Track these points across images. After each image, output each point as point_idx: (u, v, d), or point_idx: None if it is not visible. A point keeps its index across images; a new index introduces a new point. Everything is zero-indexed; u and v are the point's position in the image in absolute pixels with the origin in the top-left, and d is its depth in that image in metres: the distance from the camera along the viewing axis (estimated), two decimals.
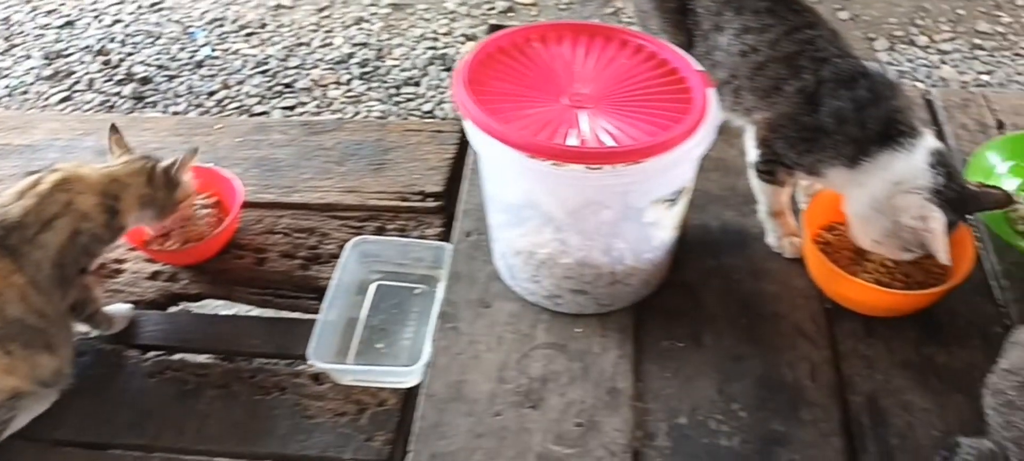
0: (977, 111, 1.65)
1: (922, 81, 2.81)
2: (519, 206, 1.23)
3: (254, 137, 1.80)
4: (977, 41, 2.97)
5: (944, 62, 2.88)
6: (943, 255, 1.13)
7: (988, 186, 1.23)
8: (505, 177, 1.22)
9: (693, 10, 1.33)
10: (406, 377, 1.35)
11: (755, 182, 1.36)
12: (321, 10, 3.25)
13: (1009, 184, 1.45)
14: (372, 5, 3.25)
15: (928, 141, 1.19)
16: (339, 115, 2.77)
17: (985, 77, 2.83)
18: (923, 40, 2.98)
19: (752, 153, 1.34)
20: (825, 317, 1.32)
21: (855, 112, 1.19)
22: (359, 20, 3.19)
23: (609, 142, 1.11)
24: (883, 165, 1.18)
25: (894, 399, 1.22)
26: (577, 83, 1.21)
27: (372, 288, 1.53)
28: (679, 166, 1.16)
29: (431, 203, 1.64)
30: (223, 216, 1.60)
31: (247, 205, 1.64)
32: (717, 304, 1.35)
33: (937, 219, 1.12)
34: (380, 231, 1.62)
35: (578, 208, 1.20)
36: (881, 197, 1.18)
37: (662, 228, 1.24)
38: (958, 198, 1.16)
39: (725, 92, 1.32)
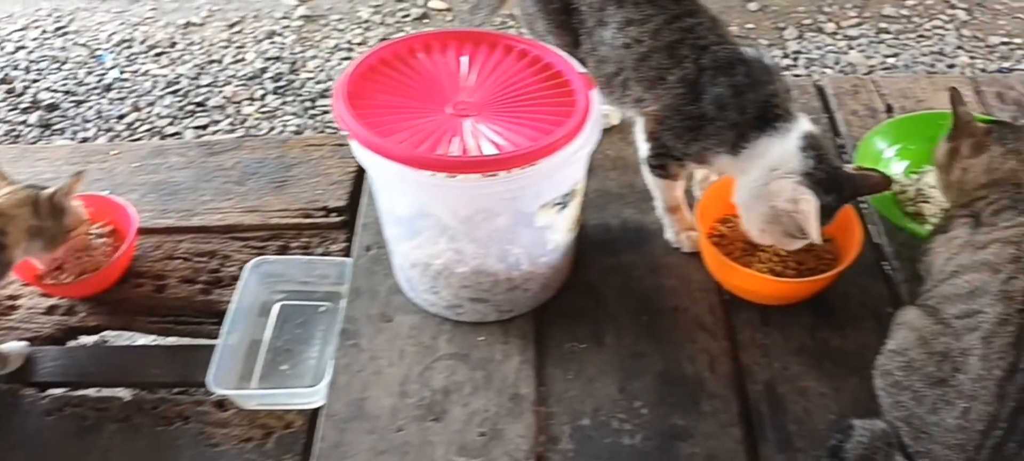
0: (867, 96, 1.69)
1: (831, 68, 2.87)
2: (411, 218, 1.22)
3: (151, 161, 1.76)
4: (883, 25, 3.05)
5: (851, 48, 2.95)
6: (815, 235, 1.15)
7: (867, 170, 1.25)
8: (392, 190, 1.21)
9: (577, 9, 1.33)
10: (311, 397, 1.33)
11: (649, 178, 1.37)
12: (232, 26, 3.20)
13: (897, 167, 1.49)
14: (284, 18, 3.21)
15: (802, 125, 1.21)
16: (252, 132, 2.73)
17: (891, 60, 2.90)
18: (830, 27, 3.05)
19: (643, 148, 1.35)
20: (723, 309, 1.34)
21: (734, 97, 1.21)
22: (271, 34, 3.15)
23: (490, 150, 1.10)
24: (760, 151, 1.20)
25: (791, 385, 1.24)
26: (462, 92, 1.20)
27: (276, 309, 1.50)
28: (565, 169, 1.15)
29: (335, 218, 1.62)
30: (119, 244, 1.56)
31: (145, 231, 1.60)
32: (618, 303, 1.35)
33: (808, 201, 1.14)
34: (284, 250, 1.60)
35: (470, 216, 1.19)
36: (759, 183, 1.20)
37: (556, 231, 1.24)
38: (829, 180, 1.18)
39: (614, 86, 1.32)
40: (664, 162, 1.33)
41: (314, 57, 3.04)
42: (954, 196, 1.28)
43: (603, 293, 1.36)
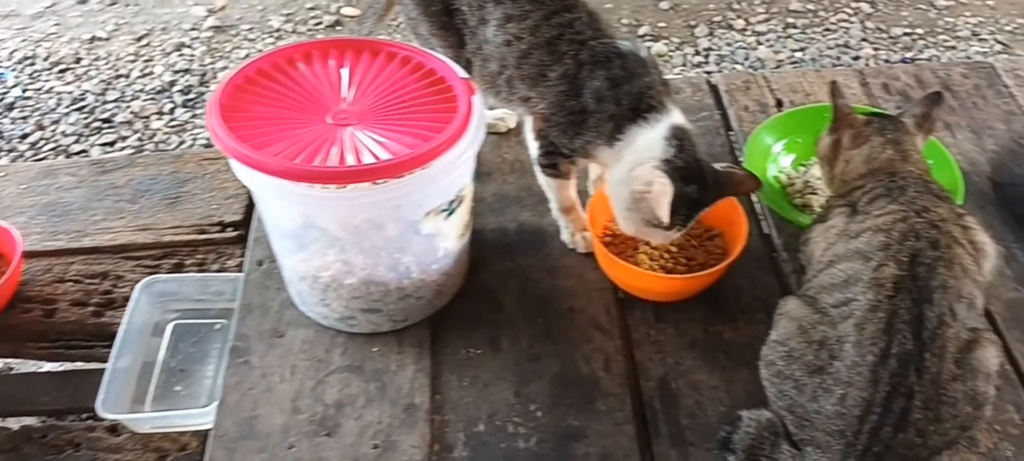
0: (758, 92, 1.72)
1: (741, 63, 2.92)
2: (296, 231, 1.20)
3: (40, 182, 1.70)
4: (790, 20, 3.12)
5: (760, 43, 3.01)
6: (664, 216, 1.16)
7: (736, 169, 1.27)
8: (273, 204, 1.19)
9: (458, 9, 1.32)
10: (206, 418, 1.29)
11: (542, 179, 1.38)
12: (139, 39, 3.13)
13: (785, 160, 1.51)
14: (193, 30, 3.15)
15: (672, 117, 1.23)
16: (162, 147, 2.67)
17: (798, 54, 2.97)
18: (740, 23, 3.10)
19: (533, 148, 1.35)
20: (618, 307, 1.35)
21: (611, 90, 1.22)
22: (180, 46, 3.08)
23: (369, 160, 1.09)
24: (630, 141, 1.21)
25: (684, 380, 1.25)
26: (342, 101, 1.18)
27: (169, 328, 1.47)
28: (449, 174, 1.15)
29: (231, 233, 1.59)
30: (3, 270, 1.51)
31: (33, 255, 1.55)
32: (515, 306, 1.35)
33: (661, 182, 1.15)
34: (178, 268, 1.56)
35: (356, 227, 1.17)
36: (625, 170, 1.21)
37: (445, 238, 1.24)
38: (689, 170, 1.19)
39: (500, 85, 1.32)
40: (554, 160, 1.33)
41: (225, 68, 2.99)
42: (837, 188, 1.31)
43: (500, 297, 1.36)
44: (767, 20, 3.11)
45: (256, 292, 1.36)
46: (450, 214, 1.21)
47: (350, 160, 1.09)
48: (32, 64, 3.04)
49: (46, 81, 2.97)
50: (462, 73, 1.23)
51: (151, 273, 1.53)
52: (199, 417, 1.30)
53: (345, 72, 1.22)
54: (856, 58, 2.91)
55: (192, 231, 1.59)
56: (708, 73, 2.85)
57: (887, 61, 2.90)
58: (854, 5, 3.16)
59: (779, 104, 1.68)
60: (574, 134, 1.26)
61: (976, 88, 1.72)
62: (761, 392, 1.15)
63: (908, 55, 2.92)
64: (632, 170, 1.20)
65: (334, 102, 1.19)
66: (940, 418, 1.02)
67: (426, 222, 1.18)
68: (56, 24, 3.21)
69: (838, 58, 2.91)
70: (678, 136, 1.21)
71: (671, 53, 3.00)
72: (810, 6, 3.18)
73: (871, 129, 1.30)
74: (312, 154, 1.09)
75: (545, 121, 1.29)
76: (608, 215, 1.39)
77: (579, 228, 1.40)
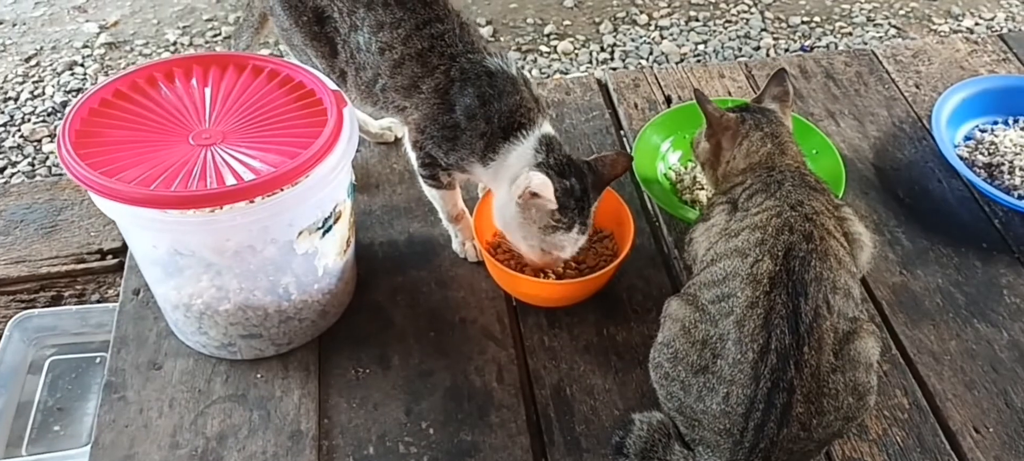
0: (647, 89, 1.72)
1: (645, 58, 2.93)
2: (164, 258, 1.14)
3: None
4: (692, 13, 3.14)
5: (664, 38, 3.02)
6: (552, 198, 1.15)
7: (607, 153, 1.25)
8: (135, 233, 1.13)
9: (329, 16, 1.28)
10: (83, 459, 1.23)
11: (426, 189, 1.35)
12: (28, 60, 2.99)
13: (673, 157, 1.51)
14: (85, 48, 3.02)
15: (541, 129, 1.22)
16: (56, 171, 2.55)
17: (701, 47, 2.99)
18: (644, 19, 3.11)
19: (412, 158, 1.32)
20: (512, 316, 1.32)
21: (481, 108, 1.20)
22: (72, 65, 2.95)
23: (231, 181, 1.04)
24: (504, 160, 1.20)
25: (578, 385, 1.23)
26: (207, 119, 1.13)
27: (46, 365, 1.39)
28: (320, 190, 1.10)
29: (111, 261, 1.51)
30: None
31: None
32: (405, 321, 1.31)
33: (537, 177, 1.14)
34: (56, 300, 1.48)
35: (227, 250, 1.12)
36: (505, 191, 1.20)
37: (324, 256, 1.19)
38: (562, 165, 1.19)
39: (375, 94, 1.29)
40: (433, 172, 1.30)
41: None
42: (721, 186, 1.30)
43: (390, 313, 1.32)
44: (670, 14, 3.13)
45: (131, 323, 1.30)
46: (326, 232, 1.17)
47: (213, 182, 1.04)
48: None
49: None
50: (332, 85, 1.19)
51: (27, 308, 1.45)
52: (77, 458, 1.24)
53: (208, 90, 1.17)
54: (757, 49, 2.94)
55: (70, 261, 1.51)
56: (613, 70, 2.85)
57: (787, 49, 2.94)
58: None
59: (668, 100, 1.68)
60: (449, 149, 1.24)
61: (858, 75, 1.75)
62: (654, 393, 1.13)
63: (807, 43, 2.97)
64: (511, 187, 1.19)
65: (197, 122, 1.13)
66: (822, 411, 1.02)
67: (301, 242, 1.14)
68: None
69: (739, 49, 2.94)
70: (545, 143, 1.20)
71: (577, 51, 2.99)
72: None
73: (748, 126, 1.30)
74: (172, 178, 1.04)
75: (420, 132, 1.26)
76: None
77: (469, 236, 1.37)
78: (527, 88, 1.25)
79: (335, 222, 1.17)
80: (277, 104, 1.16)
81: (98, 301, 1.47)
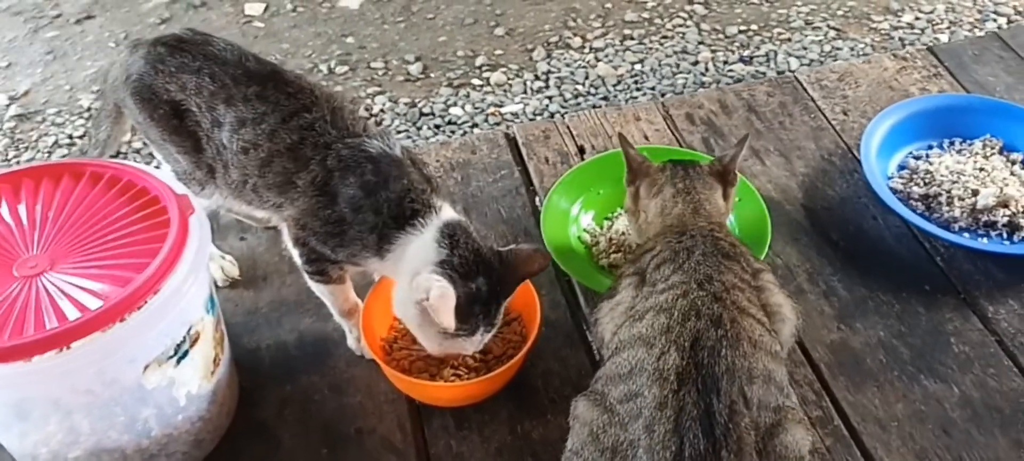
0: (557, 140, 1.58)
1: (581, 83, 2.81)
2: (8, 401, 0.99)
3: None
4: (627, 32, 3.02)
5: (599, 60, 2.90)
6: (448, 322, 1.03)
7: (523, 247, 1.13)
8: None
9: (188, 110, 1.15)
10: None
11: (313, 285, 1.21)
12: None
13: (585, 220, 1.38)
14: None
15: (442, 215, 1.10)
16: None
17: (638, 66, 2.87)
18: (577, 42, 2.99)
19: (294, 255, 1.18)
20: (414, 420, 1.19)
21: (367, 198, 1.07)
22: None
23: (74, 314, 0.90)
24: (401, 252, 1.08)
25: None
26: (34, 244, 0.99)
27: None
28: (165, 316, 0.96)
29: None
30: None
31: None
32: (294, 440, 1.17)
33: (437, 287, 1.02)
34: None
35: (65, 394, 0.98)
36: (406, 286, 1.07)
37: (185, 385, 1.05)
38: (469, 263, 1.06)
39: (247, 193, 1.16)
40: (320, 266, 1.16)
41: (31, 160, 2.71)
42: (643, 241, 1.19)
43: (277, 432, 1.18)
44: (604, 34, 3.01)
45: None
46: (182, 358, 1.02)
47: (38, 322, 0.90)
48: None
49: None
50: (180, 188, 1.05)
51: None
52: None
53: (39, 207, 1.03)
54: (695, 63, 2.83)
55: None
56: (549, 98, 2.74)
57: (726, 61, 2.83)
58: (688, 8, 3.09)
59: (581, 151, 1.55)
60: (336, 244, 1.10)
61: (782, 106, 1.63)
62: None
63: (746, 53, 2.87)
64: (412, 282, 1.05)
65: (23, 248, 0.99)
66: None
67: (149, 376, 1.00)
68: None
69: (677, 66, 2.83)
70: (449, 233, 1.07)
71: (510, 81, 2.87)
72: (645, 15, 3.10)
73: (664, 177, 1.19)
74: None
75: (301, 228, 1.13)
76: (388, 319, 1.23)
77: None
78: (416, 169, 1.12)
79: (192, 346, 1.03)
80: (115, 217, 1.02)
81: None
